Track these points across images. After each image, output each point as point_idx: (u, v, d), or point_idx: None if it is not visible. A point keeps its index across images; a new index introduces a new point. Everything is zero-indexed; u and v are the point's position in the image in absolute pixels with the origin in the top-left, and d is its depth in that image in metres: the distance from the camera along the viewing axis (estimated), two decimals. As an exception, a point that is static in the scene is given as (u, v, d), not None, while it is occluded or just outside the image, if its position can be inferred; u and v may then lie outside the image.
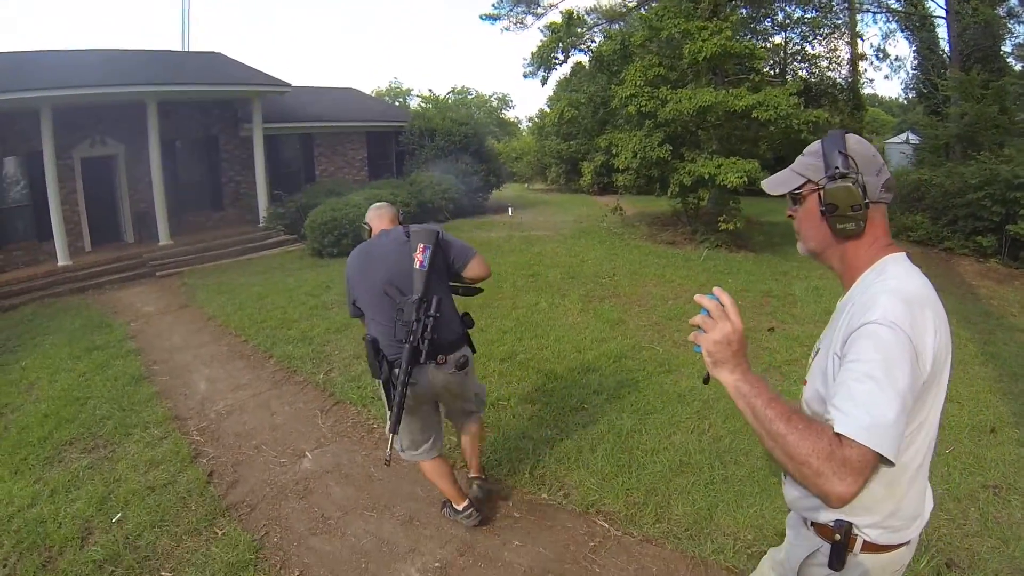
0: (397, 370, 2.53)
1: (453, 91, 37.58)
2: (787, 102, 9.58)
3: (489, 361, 5.46)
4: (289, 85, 14.67)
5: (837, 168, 1.24)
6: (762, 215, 13.47)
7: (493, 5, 22.84)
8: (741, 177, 9.51)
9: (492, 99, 40.27)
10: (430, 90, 39.19)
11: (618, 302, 7.33)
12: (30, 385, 6.32)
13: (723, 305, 1.22)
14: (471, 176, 15.85)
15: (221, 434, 4.77)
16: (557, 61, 13.38)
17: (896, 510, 1.22)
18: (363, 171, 17.74)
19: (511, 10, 22.01)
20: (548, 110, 23.13)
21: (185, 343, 7.18)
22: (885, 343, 1.09)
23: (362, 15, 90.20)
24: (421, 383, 2.64)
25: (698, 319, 1.24)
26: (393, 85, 41.99)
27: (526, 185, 27.45)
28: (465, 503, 3.11)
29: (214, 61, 15.99)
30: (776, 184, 1.37)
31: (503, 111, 39.46)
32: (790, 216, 1.39)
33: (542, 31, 20.56)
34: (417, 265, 2.58)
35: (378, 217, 2.94)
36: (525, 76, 17.31)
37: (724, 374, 1.20)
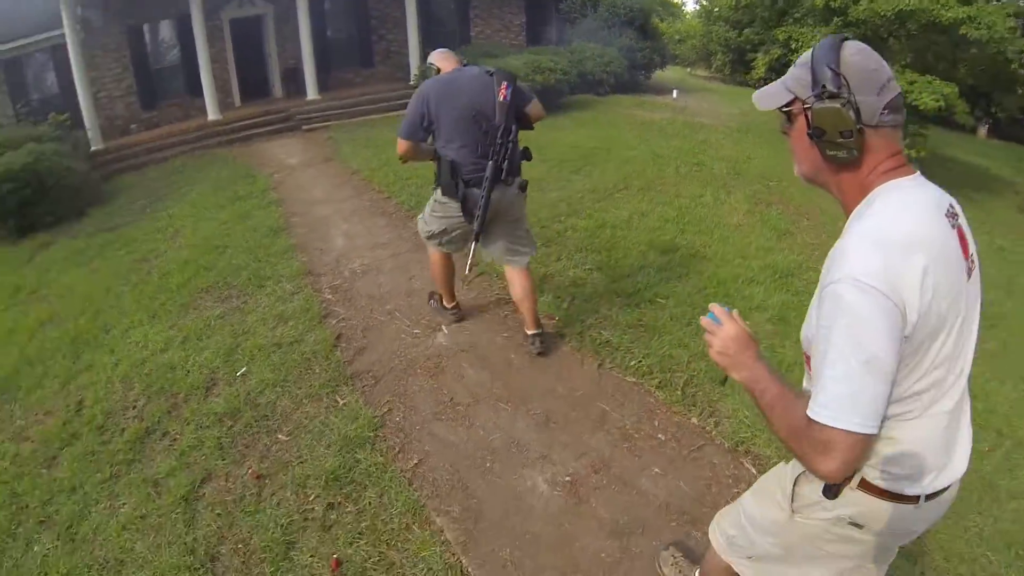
0: (473, 190, 3.06)
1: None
2: (1003, 23, 8.42)
3: (650, 251, 4.93)
4: None
5: (824, 86, 1.11)
6: (944, 148, 11.77)
7: None
8: (937, 100, 8.47)
9: None
10: None
11: (786, 210, 6.46)
12: (175, 233, 6.59)
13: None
14: (634, 52, 15.43)
15: (354, 295, 4.49)
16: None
17: (896, 456, 1.17)
18: (521, 36, 17.37)
19: None
20: (720, -8, 22.88)
21: (327, 196, 7.11)
22: (850, 307, 1.04)
23: None
24: (494, 200, 3.07)
25: (705, 322, 1.31)
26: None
27: (688, 70, 26.71)
28: (453, 304, 3.83)
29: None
30: (765, 97, 1.27)
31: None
32: (783, 133, 1.27)
33: None
34: (501, 98, 3.00)
35: (444, 59, 3.29)
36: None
37: (735, 374, 1.25)
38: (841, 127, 1.10)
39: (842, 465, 1.05)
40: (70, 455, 3.15)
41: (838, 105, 1.10)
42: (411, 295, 4.39)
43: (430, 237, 3.45)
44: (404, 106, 3.39)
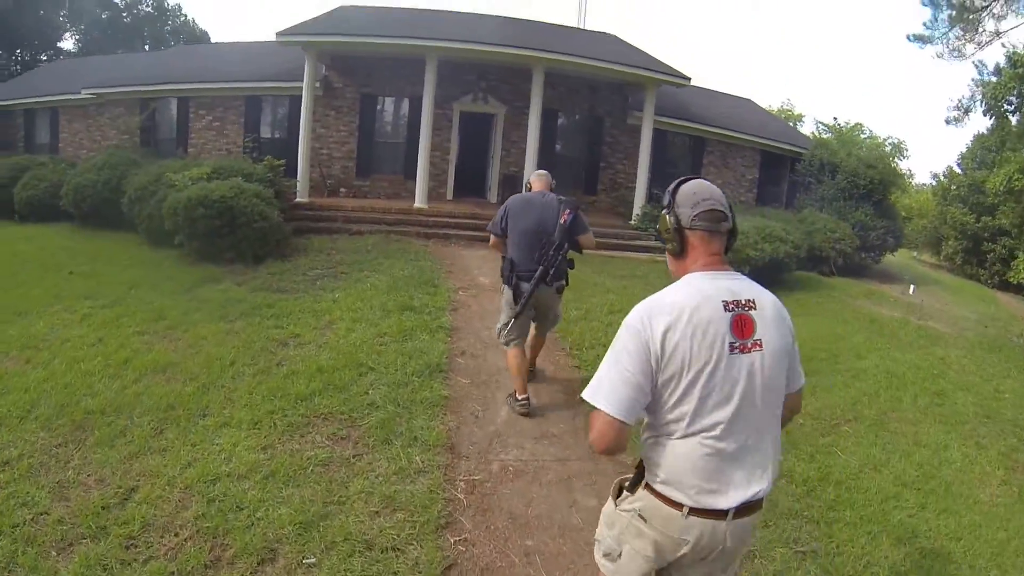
0: (523, 284, 4.59)
1: (841, 127, 34.03)
2: None
3: (881, 534, 3.87)
4: (688, 79, 14.54)
5: (665, 203, 1.98)
6: None
7: (925, 24, 21.61)
8: None
9: (886, 143, 35.15)
10: (834, 118, 34.28)
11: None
12: (328, 324, 6.47)
13: None
14: (868, 231, 15.23)
15: (492, 506, 3.72)
16: (1008, 107, 12.10)
17: (668, 468, 1.81)
18: (751, 192, 18.00)
19: (947, 32, 19.57)
20: (959, 170, 23.31)
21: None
22: (619, 336, 1.83)
23: (761, 20, 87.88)
24: (536, 294, 4.57)
25: None
26: (785, 107, 39.91)
27: (914, 254, 25.72)
28: (524, 396, 4.78)
29: (608, 41, 16.93)
30: None
31: (896, 160, 34.27)
32: None
33: (978, 66, 19.11)
34: (562, 221, 4.56)
35: (538, 180, 5.04)
36: (948, 121, 17.72)
37: None
38: (664, 227, 1.95)
39: (596, 437, 1.79)
40: (84, 554, 2.99)
41: (664, 214, 1.95)
42: (565, 534, 3.49)
43: (503, 331, 4.81)
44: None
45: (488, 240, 5.10)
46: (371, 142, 15.16)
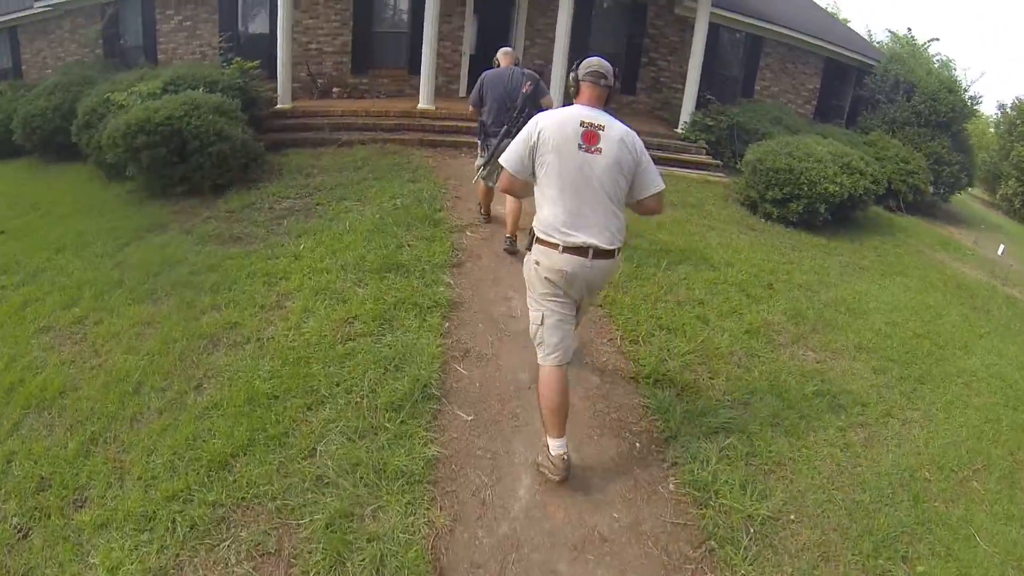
0: (491, 139, 5.68)
1: (914, 41, 29.26)
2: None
3: None
4: None
5: (572, 69, 3.23)
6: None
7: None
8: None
9: (953, 66, 29.44)
10: (908, 29, 28.19)
11: None
12: (279, 301, 4.78)
13: None
14: (943, 165, 13.43)
15: None
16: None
17: (541, 219, 3.04)
18: (810, 104, 15.59)
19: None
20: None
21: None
22: (520, 132, 3.11)
23: None
24: (500, 147, 5.42)
25: None
26: (831, 9, 34.27)
27: (968, 190, 22.13)
28: (488, 215, 6.67)
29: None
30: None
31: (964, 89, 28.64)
32: None
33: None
34: (524, 90, 5.50)
35: (505, 56, 6.06)
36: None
37: None
38: (570, 81, 3.19)
39: (501, 183, 3.24)
40: None
41: (571, 74, 3.20)
42: None
43: (479, 170, 5.88)
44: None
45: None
46: (368, 32, 12.72)
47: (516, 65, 5.98)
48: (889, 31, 19.26)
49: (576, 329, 3.51)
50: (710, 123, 11.46)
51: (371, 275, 5.01)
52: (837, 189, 8.65)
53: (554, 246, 2.98)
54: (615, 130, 3.05)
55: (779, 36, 14.40)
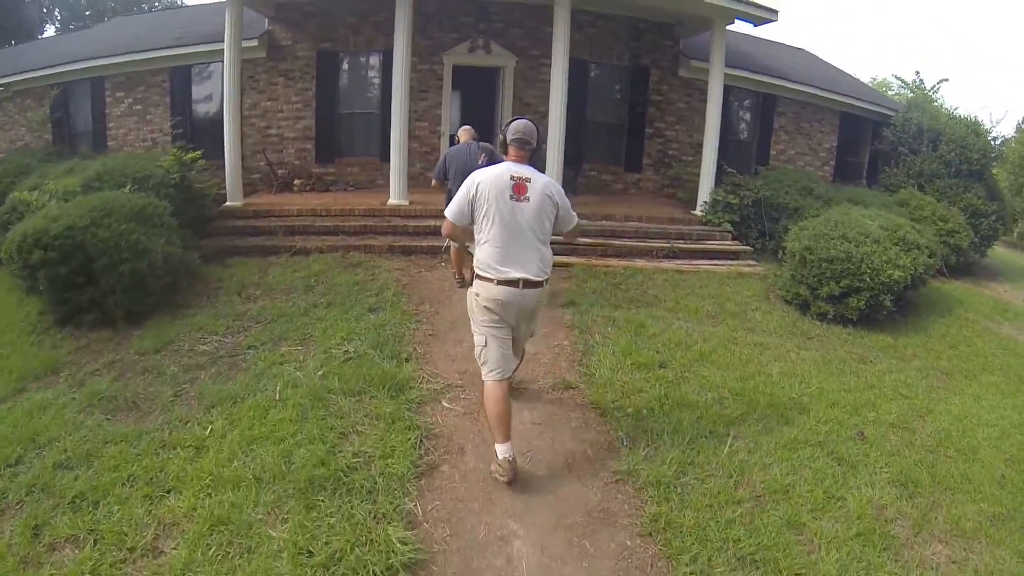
0: None
1: (922, 85, 28.21)
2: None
3: None
4: (774, 12, 9.90)
5: (501, 135, 3.91)
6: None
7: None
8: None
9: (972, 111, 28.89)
10: (917, 73, 26.59)
11: None
12: (157, 538, 2.92)
13: None
14: (980, 217, 12.22)
15: None
16: None
17: (479, 258, 3.63)
18: (828, 165, 14.40)
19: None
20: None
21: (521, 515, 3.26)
22: (460, 189, 3.70)
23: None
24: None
25: None
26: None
27: None
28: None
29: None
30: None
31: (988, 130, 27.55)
32: None
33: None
34: (480, 162, 6.16)
35: (464, 133, 7.14)
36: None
37: None
38: (501, 142, 3.86)
39: (445, 229, 3.85)
40: None
41: (501, 138, 3.89)
42: None
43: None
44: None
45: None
46: (334, 115, 11.36)
47: (474, 140, 6.99)
48: (897, 77, 18.08)
49: (518, 354, 4.12)
50: (733, 201, 9.92)
51: (296, 497, 3.26)
52: (901, 274, 7.18)
53: (490, 280, 3.59)
54: (539, 181, 3.67)
55: (793, 93, 13.27)
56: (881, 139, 13.87)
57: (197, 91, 11.98)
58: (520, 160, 3.71)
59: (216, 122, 11.38)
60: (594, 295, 7.12)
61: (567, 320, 6.36)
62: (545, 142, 10.08)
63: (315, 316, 5.96)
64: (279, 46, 11.13)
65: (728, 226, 9.71)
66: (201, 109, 11.95)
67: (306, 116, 11.19)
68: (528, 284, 3.57)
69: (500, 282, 3.54)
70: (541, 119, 11.22)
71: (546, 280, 3.69)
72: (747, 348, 6.10)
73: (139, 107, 12.27)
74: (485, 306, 3.64)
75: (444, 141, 11.14)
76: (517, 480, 3.57)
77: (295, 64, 11.13)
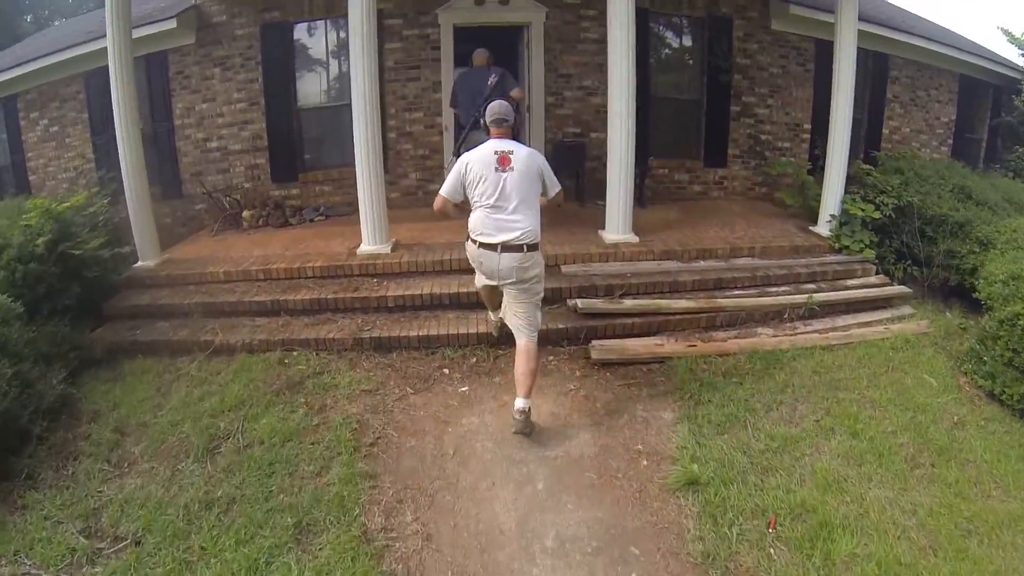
0: (464, 129, 6.29)
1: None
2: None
3: None
4: None
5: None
6: None
7: None
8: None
9: None
10: None
11: None
12: None
13: None
14: None
15: None
16: None
17: (471, 224, 4.05)
18: (945, 145, 11.17)
19: None
20: None
21: None
22: (452, 168, 4.14)
23: None
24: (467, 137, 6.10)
25: None
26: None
27: None
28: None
29: None
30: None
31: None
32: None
33: None
34: (490, 82, 6.03)
35: (480, 56, 6.41)
36: None
37: None
38: (485, 125, 4.26)
39: (437, 204, 4.12)
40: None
41: (482, 120, 4.52)
42: None
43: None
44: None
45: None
46: (291, 113, 8.21)
47: (490, 65, 6.42)
48: (1004, 31, 13.90)
49: (513, 324, 4.21)
50: (874, 215, 6.55)
51: None
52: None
53: (474, 242, 4.04)
54: (522, 152, 4.06)
55: (908, 51, 9.80)
56: (1009, 109, 11.20)
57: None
58: (502, 136, 4.12)
59: (146, 138, 8.48)
60: (713, 429, 4.02)
61: (685, 506, 3.27)
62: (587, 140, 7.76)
63: (205, 534, 3.15)
64: (210, 25, 8.01)
65: (869, 252, 6.40)
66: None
67: (254, 119, 8.10)
68: (508, 248, 3.93)
69: (481, 245, 4.00)
70: (586, 97, 8.23)
71: (528, 245, 3.96)
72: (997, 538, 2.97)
73: (55, 128, 9.36)
74: (473, 261, 4.21)
75: (447, 139, 7.95)
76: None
77: (233, 47, 8.00)
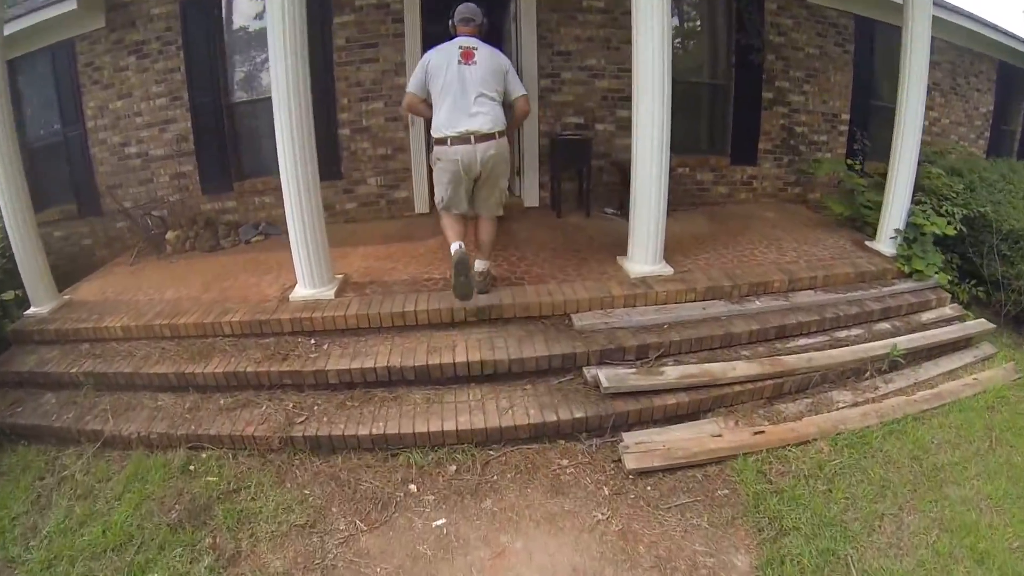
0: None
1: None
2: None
3: None
4: None
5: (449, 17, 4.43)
6: None
7: None
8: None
9: None
10: None
11: None
12: None
13: None
14: None
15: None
16: None
17: (436, 124, 4.10)
18: (982, 138, 10.17)
19: None
20: None
21: None
22: (418, 64, 4.26)
23: None
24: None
25: None
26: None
27: None
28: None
29: None
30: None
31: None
32: None
33: None
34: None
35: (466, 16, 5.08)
36: None
37: None
38: (451, 24, 4.29)
39: (405, 104, 4.36)
40: None
41: (450, 22, 4.34)
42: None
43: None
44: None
45: None
46: (221, 107, 6.69)
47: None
48: None
49: (480, 211, 4.41)
50: (948, 230, 5.26)
51: None
52: None
53: (443, 142, 4.03)
54: (485, 49, 4.10)
55: (950, 33, 8.45)
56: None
57: (30, 98, 7.45)
58: (467, 34, 4.16)
59: (54, 149, 7.05)
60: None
61: None
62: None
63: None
64: (122, 4, 6.52)
65: (943, 276, 5.17)
66: (36, 128, 7.46)
67: (177, 116, 6.62)
68: (480, 138, 3.98)
69: (453, 140, 3.99)
70: (590, 79, 6.84)
71: (499, 132, 4.05)
72: None
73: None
74: (443, 167, 4.12)
75: (414, 135, 6.56)
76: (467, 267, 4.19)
77: (150, 30, 6.49)
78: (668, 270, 4.78)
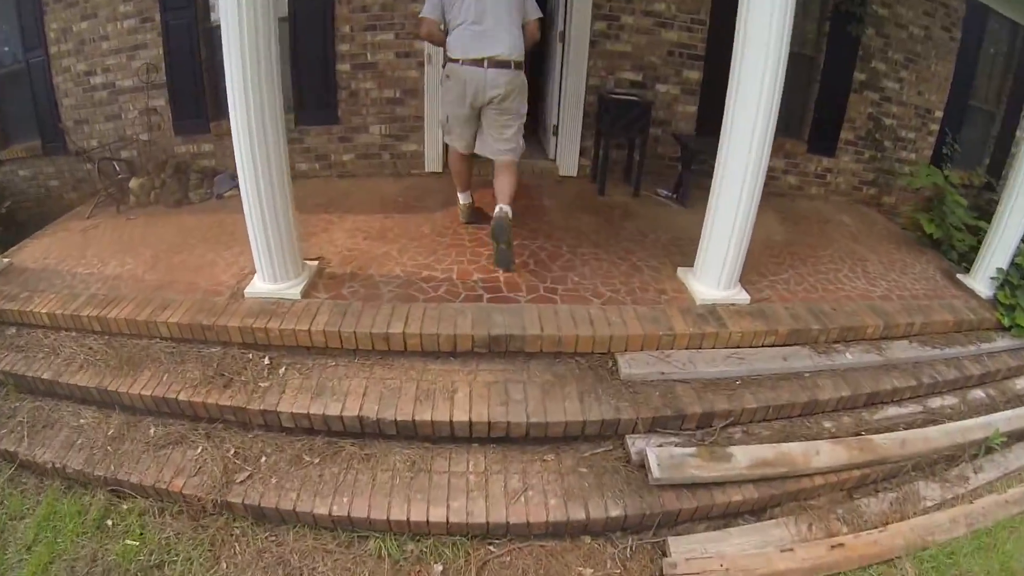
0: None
1: None
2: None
3: None
4: None
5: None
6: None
7: None
8: None
9: None
10: None
11: None
12: None
13: None
14: None
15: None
16: None
17: (450, 44, 3.86)
18: None
19: None
20: None
21: None
22: None
23: None
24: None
25: None
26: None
27: None
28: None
29: None
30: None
31: None
32: None
33: None
34: None
35: None
36: None
37: None
38: None
39: (421, 29, 3.95)
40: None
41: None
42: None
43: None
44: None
45: None
46: (194, 32, 5.53)
47: None
48: None
49: (489, 152, 4.06)
50: None
51: None
52: None
53: (456, 61, 3.82)
54: None
55: None
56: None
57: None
58: None
59: (16, 77, 6.11)
60: None
61: None
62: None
63: None
64: None
65: None
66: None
67: (148, 42, 5.56)
68: (494, 63, 3.76)
69: (465, 62, 3.79)
70: (655, 28, 5.61)
71: (515, 62, 3.81)
72: None
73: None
74: (449, 87, 3.94)
75: (430, 73, 5.46)
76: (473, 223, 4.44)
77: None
78: (744, 297, 3.71)
